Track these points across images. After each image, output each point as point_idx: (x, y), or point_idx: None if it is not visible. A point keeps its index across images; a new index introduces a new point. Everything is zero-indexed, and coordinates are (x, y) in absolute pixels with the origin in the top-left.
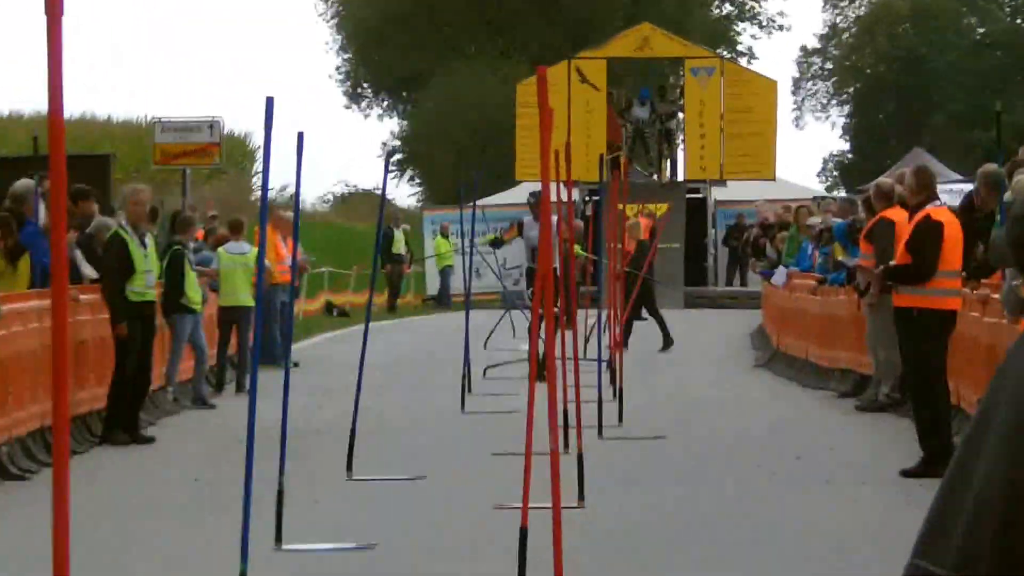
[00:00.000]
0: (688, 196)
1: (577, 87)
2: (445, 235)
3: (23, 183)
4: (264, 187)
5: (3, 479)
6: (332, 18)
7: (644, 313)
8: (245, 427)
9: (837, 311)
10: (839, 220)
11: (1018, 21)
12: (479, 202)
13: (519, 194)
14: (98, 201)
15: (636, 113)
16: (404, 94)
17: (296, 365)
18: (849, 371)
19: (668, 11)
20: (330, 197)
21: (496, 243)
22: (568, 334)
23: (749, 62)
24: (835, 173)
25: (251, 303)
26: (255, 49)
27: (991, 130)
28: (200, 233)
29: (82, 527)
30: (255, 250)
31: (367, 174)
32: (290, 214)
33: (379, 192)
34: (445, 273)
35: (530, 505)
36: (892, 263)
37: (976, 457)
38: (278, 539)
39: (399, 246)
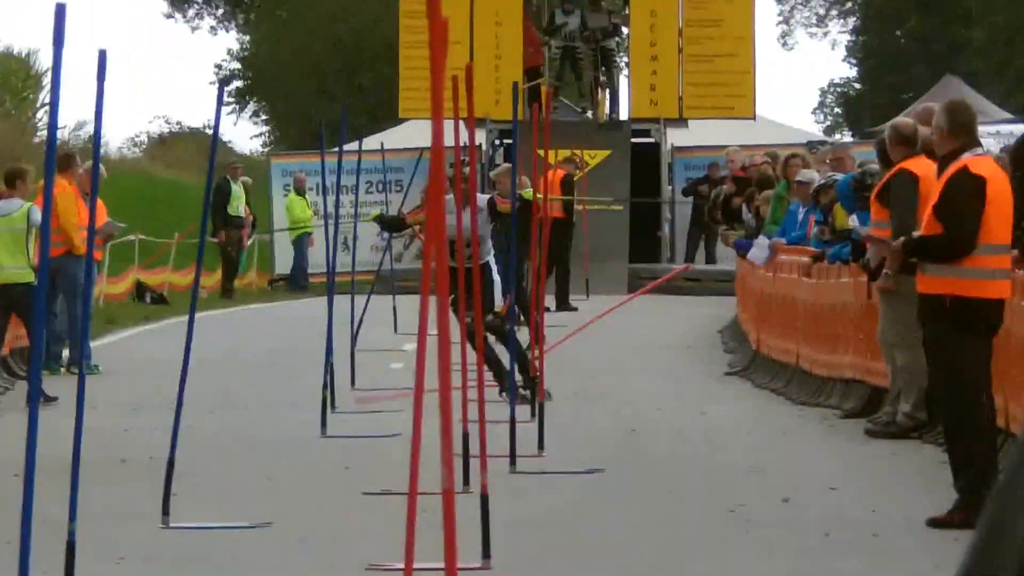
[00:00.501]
0: (634, 140)
1: None
2: (301, 192)
3: None
4: (52, 124)
5: None
6: None
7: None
8: (19, 454)
9: (839, 299)
10: (842, 174)
11: None
12: (350, 147)
13: (403, 136)
14: None
15: (563, 25)
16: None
17: (95, 369)
18: (855, 382)
19: None
20: (144, 138)
21: (387, 224)
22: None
23: None
24: (837, 110)
25: (29, 279)
26: None
27: None
28: None
29: None
30: (28, 206)
31: (194, 108)
32: (88, 163)
33: (210, 131)
34: (300, 244)
35: (416, 566)
36: (916, 233)
37: (1020, 503)
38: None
39: (237, 206)
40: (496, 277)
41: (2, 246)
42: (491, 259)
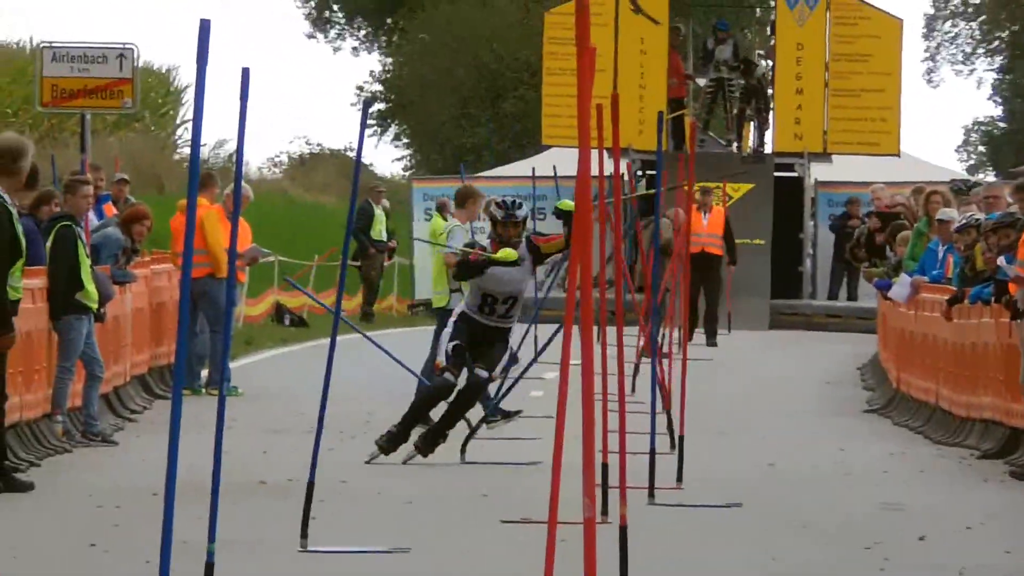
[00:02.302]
0: (778, 174)
1: (629, 18)
2: (444, 215)
3: None
4: (195, 142)
5: None
6: None
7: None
8: (159, 474)
9: (980, 339)
10: (985, 213)
11: None
12: (491, 173)
13: (546, 162)
14: None
15: (713, 53)
16: (388, 21)
17: (235, 391)
18: (994, 423)
19: None
20: (284, 159)
21: (468, 267)
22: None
23: None
24: (980, 148)
25: None
26: None
27: None
28: (109, 207)
29: None
30: None
31: (336, 129)
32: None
33: (351, 154)
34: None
35: None
36: None
37: None
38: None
39: (379, 229)
40: (512, 345)
41: None
42: (514, 323)
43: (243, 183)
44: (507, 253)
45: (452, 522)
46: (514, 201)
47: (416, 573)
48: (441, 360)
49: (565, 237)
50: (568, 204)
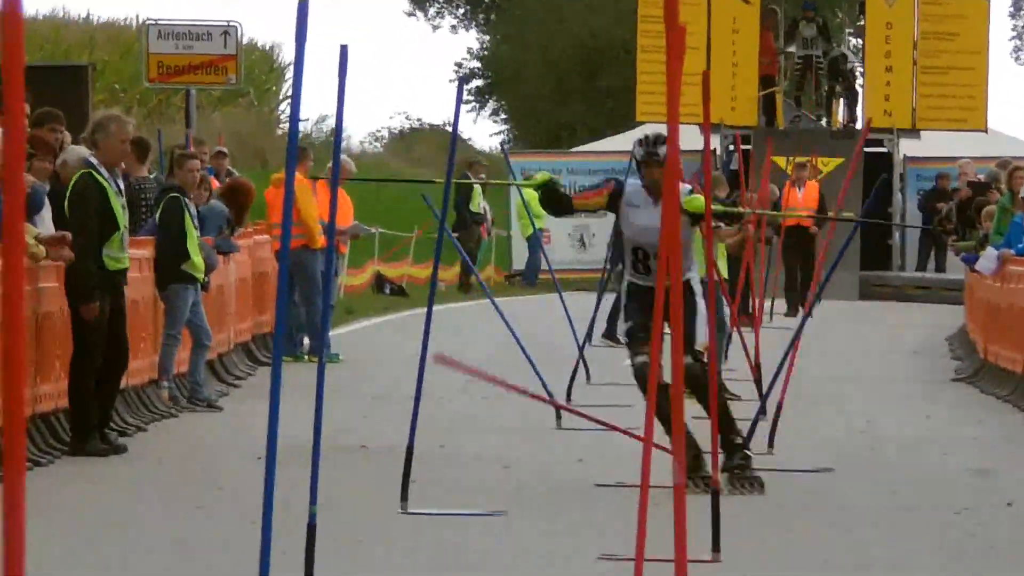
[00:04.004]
0: (867, 149)
1: None
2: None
3: None
4: (294, 117)
5: None
6: None
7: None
8: (262, 438)
9: None
10: None
11: None
12: (586, 148)
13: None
14: (71, 129)
15: (802, 32)
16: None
17: (336, 358)
18: None
19: None
20: (385, 134)
21: (554, 197)
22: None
23: None
24: None
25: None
26: None
27: None
28: (212, 180)
29: (41, 562)
30: None
31: (435, 105)
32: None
33: (449, 129)
34: (534, 241)
35: (646, 557)
36: None
37: None
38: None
39: (477, 202)
40: (700, 303)
41: None
42: (694, 275)
43: (345, 157)
44: (535, 178)
45: (548, 486)
46: (657, 136)
47: (512, 535)
48: (623, 339)
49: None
50: (695, 204)
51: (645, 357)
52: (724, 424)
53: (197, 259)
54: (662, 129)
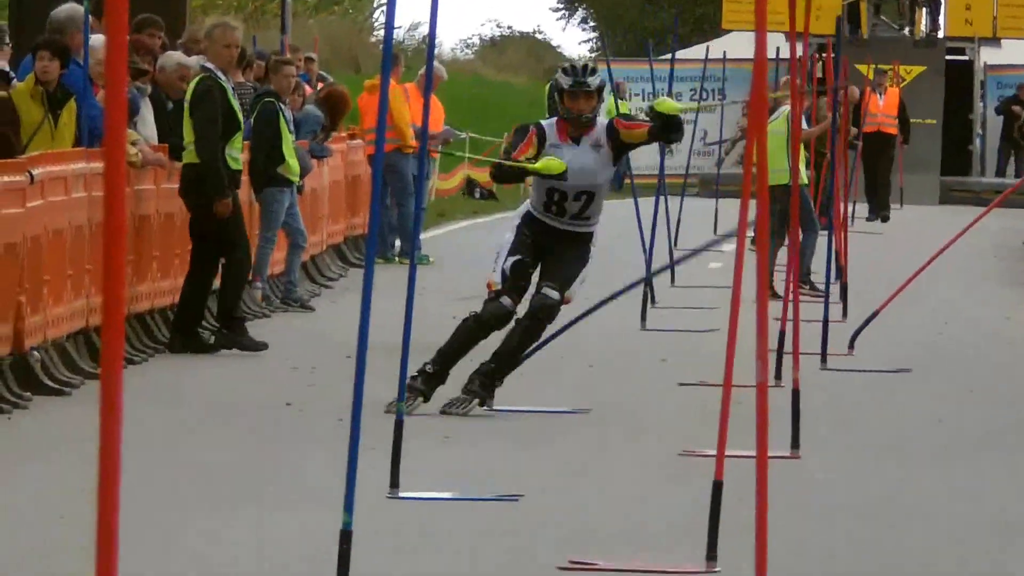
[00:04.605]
0: (949, 58)
1: None
2: (621, 95)
3: (68, 7)
4: (388, 24)
5: (37, 392)
6: None
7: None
8: (354, 338)
9: None
10: None
11: None
12: (671, 56)
13: (725, 47)
14: (168, 35)
15: None
16: None
17: (426, 260)
18: None
19: None
20: (476, 41)
21: (502, 172)
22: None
23: None
24: None
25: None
26: None
27: None
28: (307, 87)
29: (135, 455)
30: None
31: (525, 12)
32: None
33: (539, 36)
34: None
35: (727, 453)
36: None
37: None
38: (394, 484)
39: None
40: (590, 257)
41: None
42: (598, 227)
43: (437, 64)
44: (549, 164)
45: (631, 385)
46: (586, 65)
47: (596, 432)
48: (495, 279)
49: (650, 129)
50: (667, 105)
51: (509, 304)
52: (510, 362)
53: (292, 162)
54: (743, 39)
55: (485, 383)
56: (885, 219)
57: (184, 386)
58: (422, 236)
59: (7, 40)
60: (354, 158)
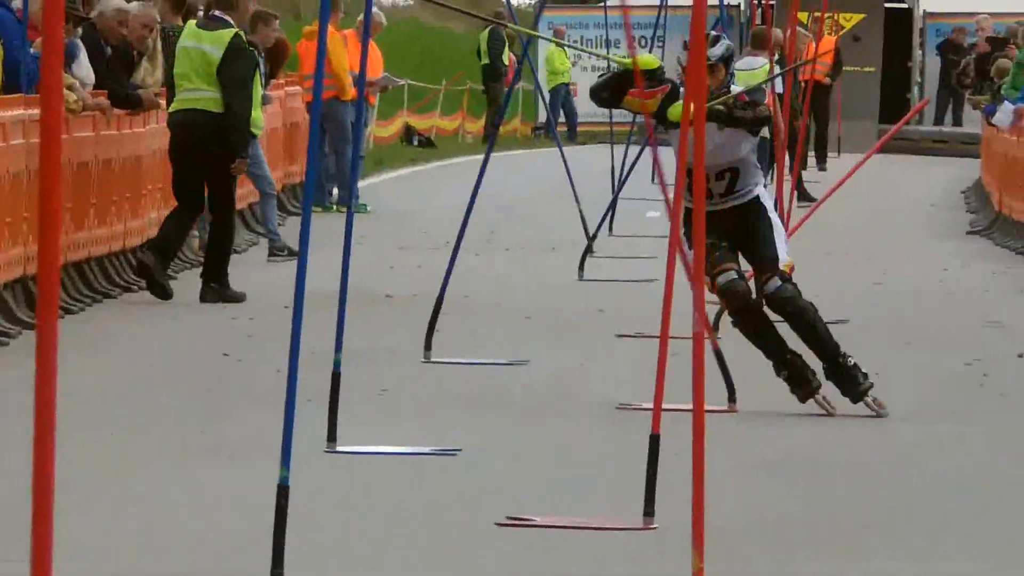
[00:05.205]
0: (887, 5)
1: None
2: (560, 44)
3: None
4: None
5: None
6: None
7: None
8: (291, 288)
9: None
10: None
11: None
12: (614, 1)
13: None
14: None
15: None
16: None
17: (364, 208)
18: None
19: None
20: None
21: (611, 89)
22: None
23: None
24: None
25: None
26: None
27: None
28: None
29: (72, 407)
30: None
31: None
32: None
33: None
34: (556, 95)
35: (664, 406)
36: None
37: None
38: (331, 438)
39: (506, 54)
40: (775, 217)
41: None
42: (761, 189)
43: (375, 10)
44: (640, 60)
45: (569, 336)
46: (707, 35)
47: (533, 383)
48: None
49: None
50: (648, 61)
51: (732, 273)
52: (827, 346)
53: (258, 114)
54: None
55: (841, 371)
56: (823, 168)
57: (122, 337)
58: (360, 184)
59: None
60: (292, 105)
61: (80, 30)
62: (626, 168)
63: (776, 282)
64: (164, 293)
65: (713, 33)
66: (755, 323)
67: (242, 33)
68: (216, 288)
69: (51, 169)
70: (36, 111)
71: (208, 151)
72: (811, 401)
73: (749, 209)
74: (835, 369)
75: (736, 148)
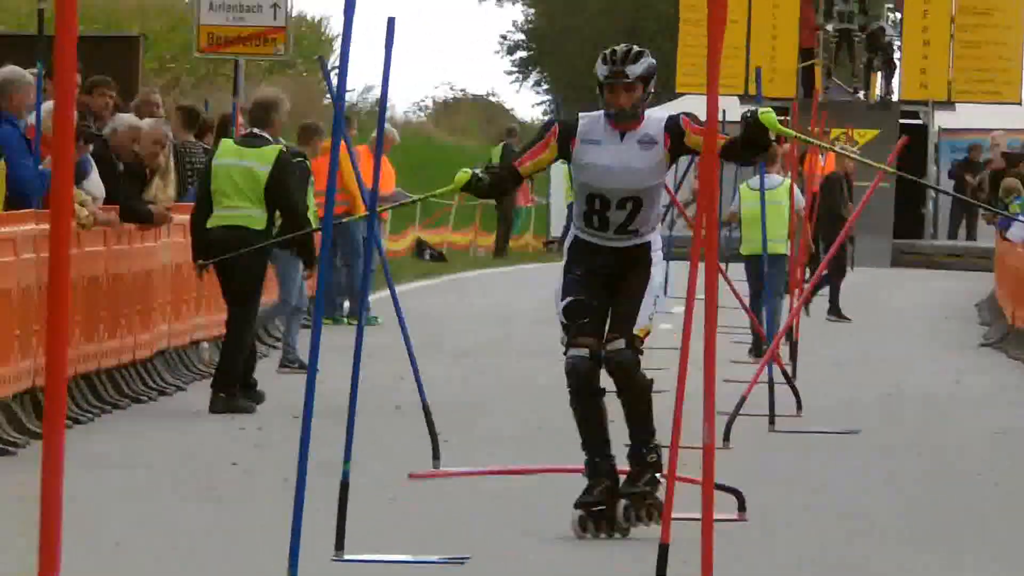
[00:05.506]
0: (903, 121)
1: None
2: None
3: (9, 69)
4: (340, 87)
5: None
6: None
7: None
8: (300, 398)
9: None
10: None
11: None
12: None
13: (678, 108)
14: (121, 95)
15: (838, 6)
16: None
17: (375, 321)
18: None
19: None
20: (429, 103)
21: (479, 187)
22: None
23: None
24: None
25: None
26: None
27: None
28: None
29: (79, 515)
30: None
31: (479, 76)
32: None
33: (493, 99)
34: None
35: (674, 516)
36: None
37: None
38: (339, 546)
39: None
40: (656, 271)
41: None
42: (656, 235)
43: (389, 126)
44: (456, 180)
45: (575, 443)
46: (629, 50)
47: (548, 494)
48: (562, 337)
49: (730, 141)
50: (770, 118)
51: (584, 350)
52: (642, 429)
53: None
54: (697, 102)
55: (640, 460)
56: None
57: (131, 447)
58: (371, 297)
59: None
60: None
61: (91, 147)
62: None
63: (619, 344)
64: (250, 407)
65: (636, 48)
66: (587, 408)
67: (285, 148)
68: (224, 399)
69: (60, 274)
70: (47, 226)
71: (245, 266)
72: (820, 511)
73: (633, 255)
74: (637, 456)
75: (647, 176)
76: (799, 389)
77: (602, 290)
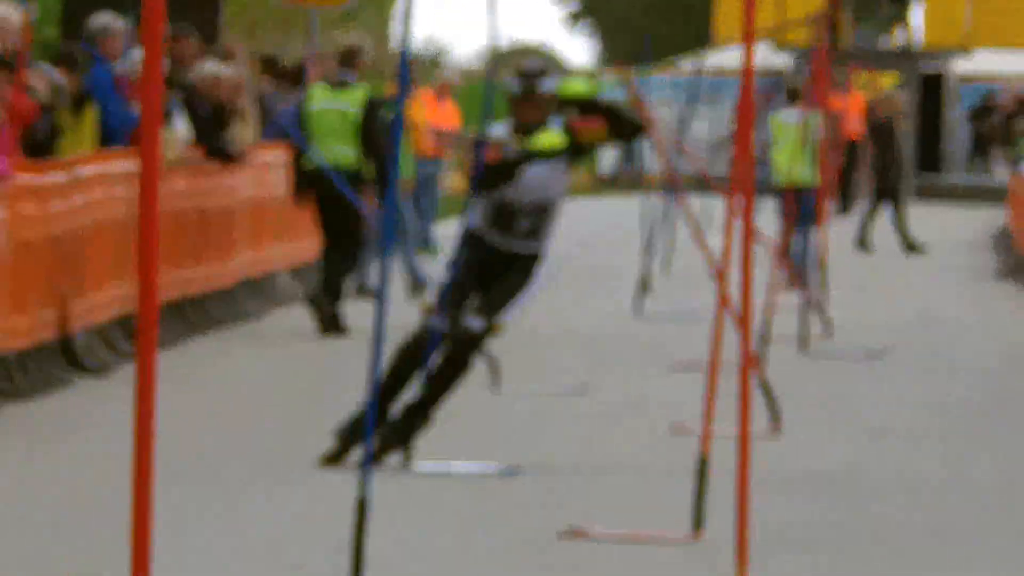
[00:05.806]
0: (923, 67)
1: None
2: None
3: (105, 16)
4: (405, 36)
5: (79, 374)
6: None
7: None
8: (371, 324)
9: None
10: None
11: None
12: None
13: (722, 58)
14: (204, 42)
15: None
16: None
17: (437, 250)
18: None
19: None
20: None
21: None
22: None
23: None
24: None
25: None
26: None
27: None
28: None
29: (171, 434)
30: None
31: (532, 26)
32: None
33: (547, 49)
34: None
35: (713, 430)
36: None
37: None
38: (407, 458)
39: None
40: (537, 281)
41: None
42: (549, 244)
43: (451, 69)
44: (549, 141)
45: (627, 366)
46: (542, 70)
47: (593, 409)
48: (430, 299)
49: (607, 127)
50: (574, 88)
51: (435, 322)
52: (428, 403)
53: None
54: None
55: (408, 420)
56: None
57: (215, 366)
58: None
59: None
60: None
61: (180, 92)
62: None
63: (476, 324)
64: (337, 328)
65: (543, 68)
66: (403, 361)
67: (369, 90)
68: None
69: (150, 216)
70: (137, 163)
71: (346, 203)
72: (852, 424)
73: (521, 261)
74: (411, 415)
75: (553, 186)
76: (829, 314)
77: (478, 279)
